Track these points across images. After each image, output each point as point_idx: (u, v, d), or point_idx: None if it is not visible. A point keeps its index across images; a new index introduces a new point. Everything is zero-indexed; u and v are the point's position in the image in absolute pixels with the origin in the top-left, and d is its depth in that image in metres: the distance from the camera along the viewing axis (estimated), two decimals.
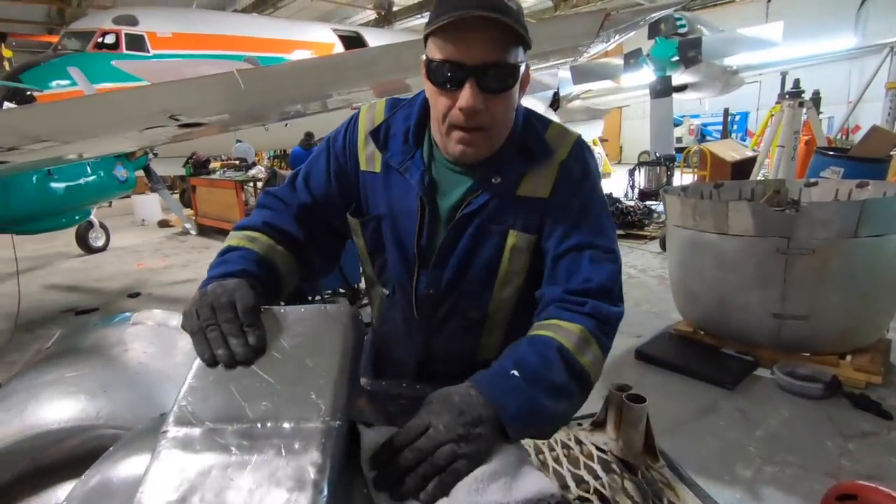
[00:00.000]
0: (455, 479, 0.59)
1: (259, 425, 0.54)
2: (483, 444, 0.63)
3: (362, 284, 1.10)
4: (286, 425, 0.54)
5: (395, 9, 15.22)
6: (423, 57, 0.82)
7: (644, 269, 5.39)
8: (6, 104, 5.01)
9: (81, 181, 4.77)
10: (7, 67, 11.25)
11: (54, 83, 7.69)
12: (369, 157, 0.96)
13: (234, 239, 0.91)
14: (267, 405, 0.56)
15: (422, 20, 15.43)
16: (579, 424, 1.12)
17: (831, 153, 4.87)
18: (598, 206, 0.92)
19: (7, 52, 12.02)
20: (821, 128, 6.61)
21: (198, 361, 0.65)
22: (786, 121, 5.43)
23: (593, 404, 1.06)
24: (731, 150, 7.20)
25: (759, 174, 5.70)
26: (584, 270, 0.86)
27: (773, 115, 8.60)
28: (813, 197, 3.58)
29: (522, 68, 0.81)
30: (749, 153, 7.46)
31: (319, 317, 0.68)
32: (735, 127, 14.53)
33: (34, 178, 4.18)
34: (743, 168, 6.64)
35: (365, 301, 3.89)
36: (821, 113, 7.49)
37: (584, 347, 0.80)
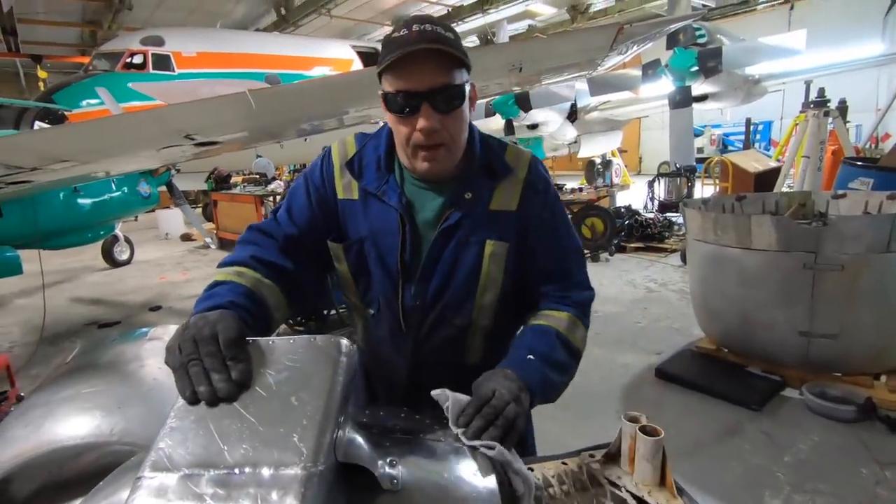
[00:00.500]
0: (519, 431, 0.77)
1: (237, 471, 0.51)
2: (526, 406, 0.83)
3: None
4: (265, 472, 0.51)
5: None
6: (380, 92, 0.94)
7: (664, 283, 5.27)
8: (38, 123, 5.18)
9: (106, 197, 4.90)
10: (42, 87, 11.74)
11: (84, 102, 7.98)
12: (346, 186, 1.05)
13: (221, 274, 0.94)
14: (247, 448, 0.53)
15: None
16: (591, 456, 1.05)
17: (859, 163, 4.70)
18: (561, 211, 1.10)
19: (42, 73, 12.57)
20: (848, 137, 6.39)
21: (180, 399, 0.63)
22: (811, 131, 5.27)
23: (606, 433, 1.01)
24: (753, 161, 7.02)
25: (783, 186, 5.52)
26: (563, 269, 1.07)
27: (797, 125, 8.40)
28: (841, 210, 3.44)
29: (468, 88, 0.93)
30: (773, 164, 7.27)
31: (309, 350, 0.65)
32: (758, 136, 14.22)
33: (61, 195, 4.30)
34: (766, 179, 6.45)
35: None
36: (848, 121, 7.27)
37: (574, 329, 1.01)
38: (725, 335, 3.27)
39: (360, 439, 0.62)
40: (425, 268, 1.00)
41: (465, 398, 0.77)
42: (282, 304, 0.97)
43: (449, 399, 0.76)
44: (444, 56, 0.87)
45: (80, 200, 4.59)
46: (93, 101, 7.88)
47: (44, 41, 13.84)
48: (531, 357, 0.92)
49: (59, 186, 3.94)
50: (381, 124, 1.10)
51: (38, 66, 12.44)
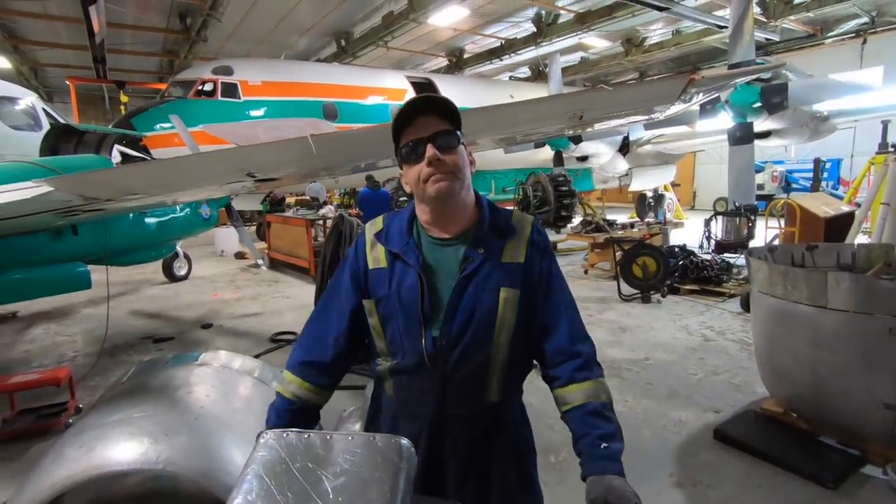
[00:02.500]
0: None
1: None
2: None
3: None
4: None
5: (465, 56, 15.77)
6: (397, 155, 1.19)
7: (722, 331, 4.95)
8: (117, 147, 5.59)
9: (170, 218, 5.18)
10: (122, 111, 12.78)
11: (157, 126, 8.59)
12: (375, 257, 1.25)
13: (280, 387, 1.28)
14: None
15: (491, 66, 15.87)
16: None
17: None
18: (557, 267, 1.29)
19: (124, 98, 13.72)
20: None
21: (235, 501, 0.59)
22: (891, 176, 4.86)
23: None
24: (823, 205, 6.58)
25: (857, 234, 5.12)
26: (566, 326, 1.23)
27: (872, 165, 7.85)
28: None
29: (462, 137, 1.16)
30: (845, 208, 6.79)
31: (367, 451, 0.61)
32: (825, 175, 13.41)
33: (130, 216, 4.58)
34: (838, 225, 6.01)
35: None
36: None
37: (601, 390, 1.17)
38: (795, 399, 3.00)
39: None
40: (448, 311, 1.16)
41: None
42: (327, 396, 1.30)
43: None
44: (440, 114, 1.13)
45: (147, 221, 4.87)
46: (165, 126, 8.48)
47: (127, 69, 15.12)
48: (605, 445, 1.08)
49: (128, 211, 4.19)
50: None
51: (121, 91, 13.60)
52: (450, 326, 1.16)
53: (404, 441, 0.63)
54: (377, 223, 1.32)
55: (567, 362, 1.20)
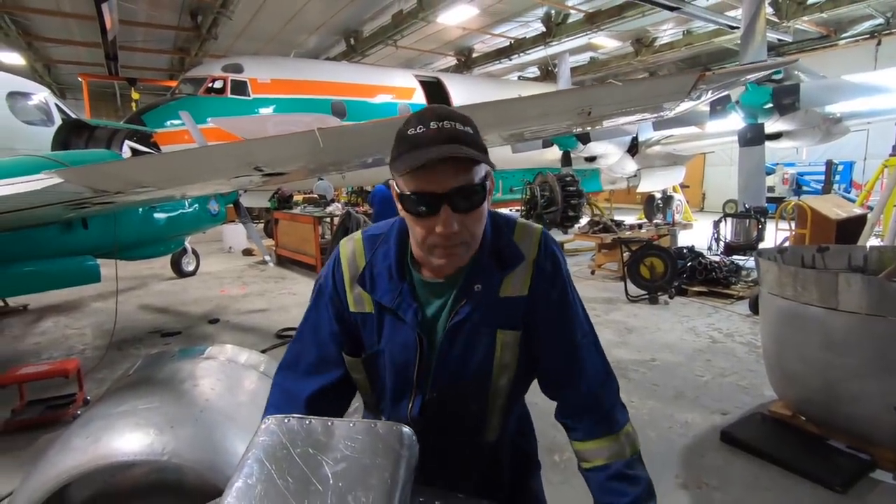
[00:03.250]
0: None
1: None
2: None
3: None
4: None
5: (474, 55, 15.75)
6: (395, 188, 0.91)
7: (730, 333, 4.90)
8: (128, 142, 5.63)
9: (179, 214, 5.21)
10: (134, 107, 12.89)
11: (168, 123, 8.65)
12: (357, 299, 1.03)
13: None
14: None
15: (500, 66, 15.83)
16: None
17: None
18: (572, 292, 1.06)
19: (136, 95, 13.84)
20: None
21: (235, 485, 0.59)
22: None
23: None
24: (835, 207, 6.50)
25: (870, 237, 5.05)
26: (581, 367, 1.04)
27: (885, 168, 7.73)
28: None
29: (487, 183, 0.90)
30: (857, 210, 6.70)
31: (368, 438, 0.61)
32: (837, 177, 13.24)
33: (140, 211, 4.61)
34: (849, 228, 5.93)
35: None
36: None
37: (625, 444, 1.02)
38: (804, 402, 2.96)
39: None
40: (438, 367, 1.00)
41: None
42: None
43: None
44: (462, 158, 0.84)
45: (156, 216, 4.91)
46: (176, 122, 8.54)
47: (139, 66, 15.26)
48: None
49: (138, 205, 4.22)
50: None
51: (133, 88, 13.72)
52: (441, 385, 1.01)
53: (406, 429, 0.63)
54: (357, 252, 1.04)
55: (584, 412, 1.04)
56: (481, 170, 0.88)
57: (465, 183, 0.85)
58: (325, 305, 1.06)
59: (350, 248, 1.06)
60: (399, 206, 0.92)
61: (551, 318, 1.02)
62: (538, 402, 1.27)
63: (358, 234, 1.08)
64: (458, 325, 0.97)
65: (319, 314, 1.07)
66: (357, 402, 1.86)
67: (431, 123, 0.84)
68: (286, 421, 0.65)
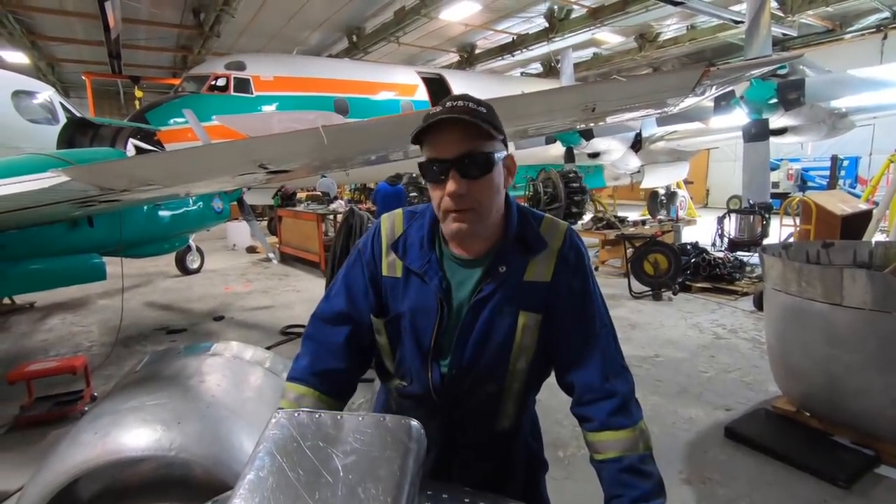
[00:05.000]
0: None
1: None
2: None
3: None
4: None
5: (477, 51, 15.72)
6: (418, 162, 1.01)
7: (734, 329, 4.89)
8: (132, 140, 5.66)
9: (184, 211, 5.23)
10: (137, 105, 12.93)
11: (171, 121, 8.67)
12: (390, 265, 1.12)
13: (286, 401, 1.11)
14: None
15: (502, 62, 15.79)
16: None
17: None
18: (594, 285, 1.11)
19: (139, 93, 13.87)
20: None
21: (246, 478, 0.60)
22: None
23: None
24: (840, 202, 6.46)
25: (875, 232, 5.03)
26: (599, 359, 1.06)
27: (891, 163, 7.69)
28: None
29: (501, 155, 0.98)
30: (862, 206, 6.66)
31: (377, 431, 0.62)
32: (842, 173, 13.16)
33: (144, 209, 4.64)
34: (855, 223, 5.90)
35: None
36: None
37: (639, 439, 1.03)
38: (808, 397, 2.96)
39: None
40: (459, 340, 1.05)
41: None
42: (339, 405, 1.13)
43: None
44: (470, 126, 0.92)
45: (161, 214, 4.93)
46: (179, 120, 8.56)
47: (142, 64, 15.29)
48: (661, 501, 0.98)
49: (143, 203, 4.25)
50: None
51: (136, 87, 13.75)
52: (460, 358, 1.06)
53: (414, 422, 0.64)
54: (396, 223, 1.15)
55: (600, 402, 1.05)
56: (492, 144, 0.96)
57: (471, 149, 0.94)
58: (362, 267, 1.15)
59: (390, 220, 1.17)
60: (422, 177, 1.03)
61: (572, 306, 1.07)
62: (541, 399, 1.28)
63: (399, 210, 1.19)
64: (481, 302, 1.03)
65: (354, 273, 1.16)
66: (364, 398, 1.87)
67: (449, 103, 0.95)
68: (296, 415, 0.67)
